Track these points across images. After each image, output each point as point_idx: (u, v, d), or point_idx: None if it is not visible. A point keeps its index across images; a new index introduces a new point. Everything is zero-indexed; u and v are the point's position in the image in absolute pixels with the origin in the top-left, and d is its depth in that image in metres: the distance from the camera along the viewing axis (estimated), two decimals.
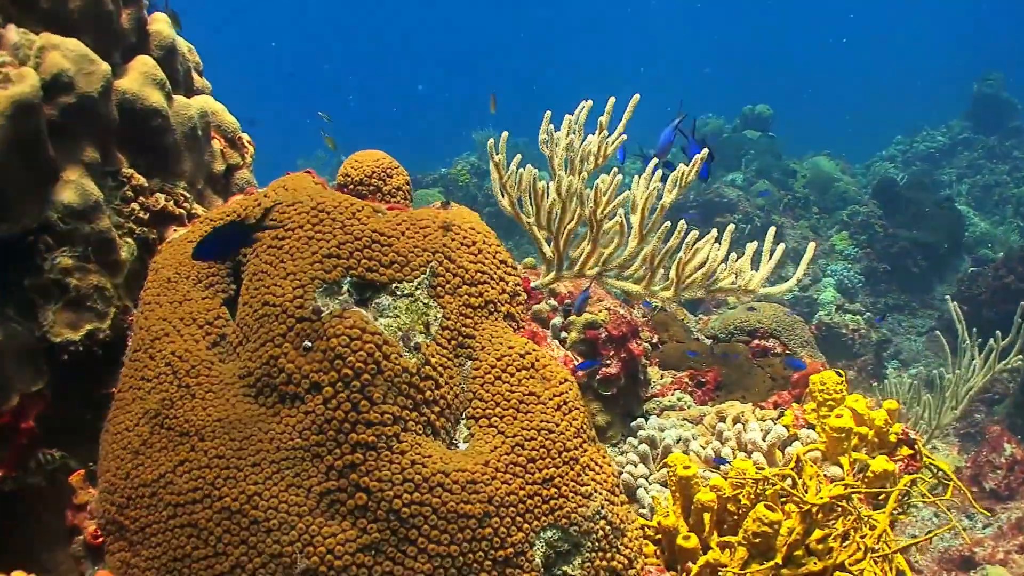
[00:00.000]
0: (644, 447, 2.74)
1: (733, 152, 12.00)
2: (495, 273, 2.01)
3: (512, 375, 1.90)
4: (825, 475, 2.27)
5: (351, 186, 2.13)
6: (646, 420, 2.94)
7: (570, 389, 1.94)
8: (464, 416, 1.88)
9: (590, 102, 2.20)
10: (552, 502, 1.83)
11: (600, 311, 2.90)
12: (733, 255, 2.12)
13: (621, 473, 2.75)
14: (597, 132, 2.12)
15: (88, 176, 1.93)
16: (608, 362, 2.94)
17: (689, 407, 3.15)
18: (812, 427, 2.59)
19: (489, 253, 2.02)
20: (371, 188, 2.14)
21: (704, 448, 2.56)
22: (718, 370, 3.27)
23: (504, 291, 2.02)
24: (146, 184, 2.07)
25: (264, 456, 1.75)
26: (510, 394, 1.88)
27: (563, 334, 2.96)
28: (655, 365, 3.40)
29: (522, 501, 1.80)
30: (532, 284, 2.11)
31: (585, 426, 1.94)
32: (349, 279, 1.85)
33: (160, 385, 1.85)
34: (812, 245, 2.23)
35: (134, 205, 2.03)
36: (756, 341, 3.53)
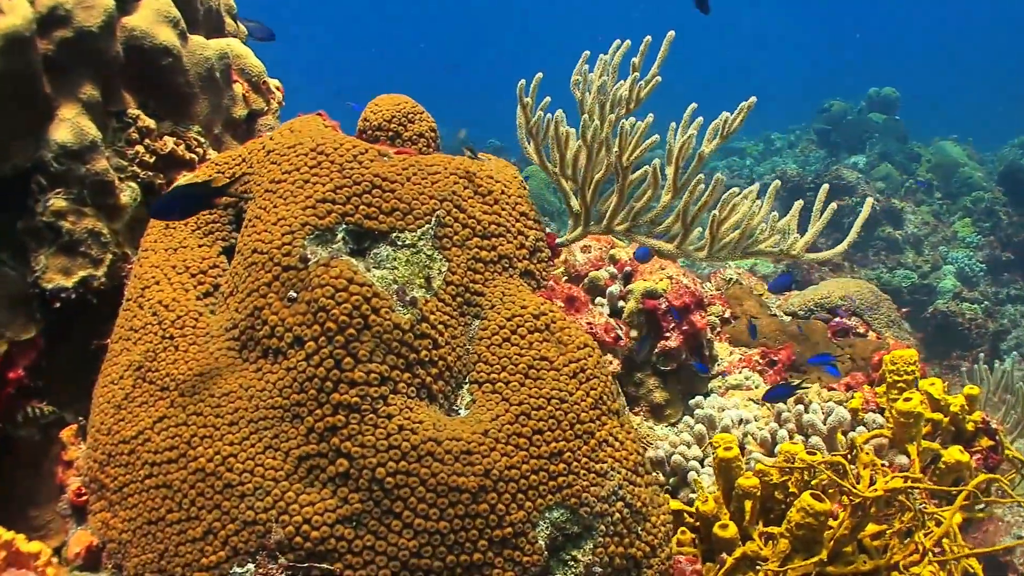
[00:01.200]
0: (700, 427, 2.53)
1: (857, 134, 11.53)
2: (513, 226, 1.83)
3: (523, 337, 1.72)
4: (886, 464, 2.02)
5: (369, 131, 1.98)
6: (706, 399, 2.72)
7: (590, 355, 1.75)
8: (468, 380, 1.70)
9: (628, 42, 1.99)
10: (560, 479, 1.65)
11: (661, 279, 2.69)
12: (775, 214, 1.89)
13: (673, 454, 2.54)
14: (630, 74, 1.91)
15: (86, 115, 1.83)
16: (668, 334, 2.73)
17: (757, 387, 2.92)
18: (883, 411, 2.33)
19: (508, 204, 1.84)
20: (390, 134, 1.98)
21: (761, 430, 2.33)
22: (792, 349, 3.02)
23: (523, 246, 1.84)
24: (154, 126, 1.96)
25: (242, 415, 1.61)
26: (519, 358, 1.70)
27: (620, 303, 2.76)
28: (725, 340, 3.17)
29: (525, 476, 1.62)
30: (558, 240, 1.92)
31: (606, 397, 1.75)
32: (345, 226, 1.69)
33: (145, 336, 1.74)
34: (869, 202, 1.98)
35: (139, 148, 1.92)
36: (837, 319, 3.27)
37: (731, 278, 3.34)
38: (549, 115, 1.87)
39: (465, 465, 1.60)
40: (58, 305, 1.84)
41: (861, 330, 3.23)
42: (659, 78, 1.96)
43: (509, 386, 1.69)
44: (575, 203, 1.89)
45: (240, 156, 1.91)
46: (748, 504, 1.95)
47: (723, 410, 2.63)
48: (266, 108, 2.31)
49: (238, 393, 1.64)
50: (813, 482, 1.90)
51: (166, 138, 1.98)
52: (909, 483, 1.80)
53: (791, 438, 2.28)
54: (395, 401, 1.61)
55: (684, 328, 2.76)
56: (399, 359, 1.62)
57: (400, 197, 1.75)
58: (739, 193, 1.83)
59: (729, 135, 1.89)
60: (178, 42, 2.02)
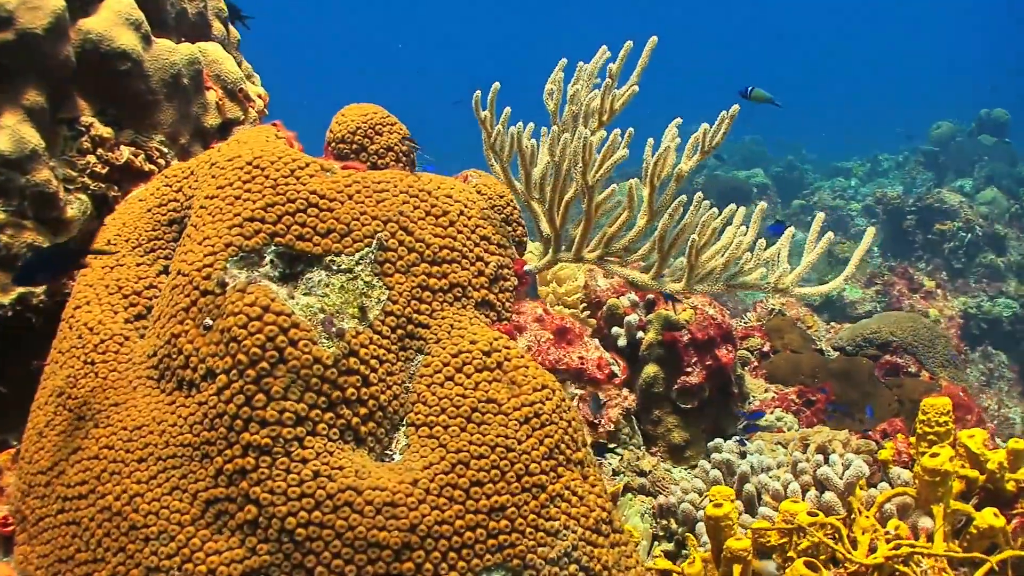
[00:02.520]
0: (716, 473, 2.34)
1: (965, 157, 11.06)
2: (471, 251, 1.69)
3: (468, 376, 1.57)
4: (913, 528, 1.80)
5: (333, 144, 1.87)
6: (727, 441, 2.52)
7: (547, 399, 1.59)
8: (405, 422, 1.56)
9: (624, 47, 1.82)
10: (502, 537, 1.50)
11: (685, 309, 2.51)
12: (761, 241, 1.69)
13: (683, 502, 2.36)
14: (605, 83, 1.75)
15: (28, 122, 1.75)
16: (689, 369, 2.54)
17: (789, 429, 2.70)
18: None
19: (466, 227, 1.70)
20: (354, 147, 1.86)
21: (775, 481, 2.13)
22: (832, 388, 2.79)
23: (481, 273, 1.69)
24: (111, 135, 1.88)
25: (152, 451, 1.51)
26: (461, 400, 1.55)
27: (640, 333, 2.59)
28: (761, 376, 2.96)
29: (459, 533, 1.48)
30: (526, 267, 1.77)
31: (565, 445, 1.59)
32: (274, 248, 1.58)
33: (69, 360, 1.65)
34: (871, 231, 1.76)
35: (90, 158, 1.84)
36: (887, 357, 3.03)
37: (773, 308, 3.12)
38: (513, 127, 1.71)
39: (388, 518, 1.46)
40: None
41: (913, 369, 2.98)
42: (636, 88, 1.78)
43: (448, 431, 1.55)
44: (545, 226, 1.73)
45: (188, 168, 1.81)
46: (737, 569, 1.77)
47: (745, 455, 2.43)
48: (243, 117, 2.22)
49: (151, 427, 1.54)
50: (802, 545, 1.70)
51: (123, 148, 1.90)
52: (914, 550, 1.59)
53: (805, 492, 2.08)
54: (313, 444, 1.47)
55: (708, 363, 2.57)
56: (319, 397, 1.49)
57: (338, 216, 1.62)
58: (719, 215, 1.65)
59: (711, 149, 1.71)
60: (139, 46, 1.94)
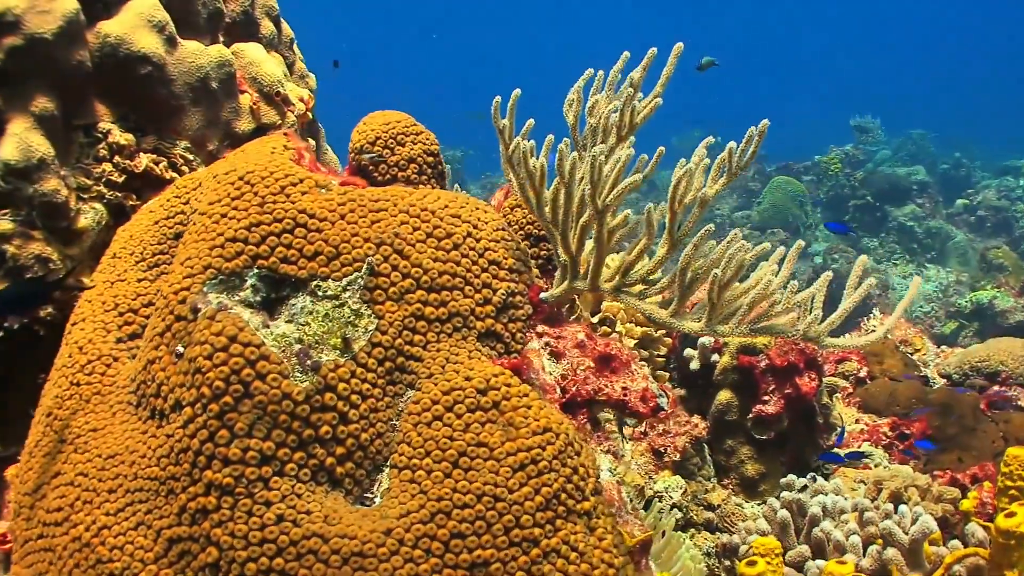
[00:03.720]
0: (784, 514, 2.17)
1: None
2: (477, 278, 1.58)
3: (459, 416, 1.47)
4: None
5: (352, 155, 1.78)
6: (800, 477, 2.33)
7: (548, 443, 1.47)
8: (389, 464, 1.46)
9: (646, 56, 1.67)
10: None
11: None
12: (794, 283, 1.51)
13: (744, 541, 2.19)
14: (624, 93, 1.60)
15: (37, 129, 1.73)
16: (766, 398, 2.36)
17: (878, 465, 2.49)
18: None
19: (473, 250, 1.59)
20: (373, 158, 1.77)
21: (838, 530, 1.94)
22: (929, 421, 2.55)
23: (487, 302, 1.58)
24: (130, 142, 1.85)
25: (122, 482, 1.46)
26: (448, 442, 1.45)
27: (714, 356, 2.42)
28: (854, 406, 2.74)
29: None
30: (542, 295, 1.64)
31: (567, 495, 1.47)
32: (256, 271, 1.50)
33: (59, 379, 1.63)
34: (916, 281, 1.56)
35: (106, 165, 1.81)
36: (995, 388, 2.75)
37: (875, 329, 2.88)
38: (525, 143, 1.58)
39: (355, 569, 1.37)
40: (1, 335, 1.75)
41: None
42: (659, 100, 1.62)
43: (431, 476, 1.44)
44: (562, 251, 1.60)
45: (197, 180, 1.76)
46: None
47: (819, 494, 2.23)
48: (279, 122, 2.16)
49: (123, 456, 1.49)
50: None
51: (142, 155, 1.86)
52: None
53: (867, 546, 1.88)
54: (279, 485, 1.39)
55: (787, 391, 2.38)
56: (288, 435, 1.41)
57: (327, 238, 1.53)
58: (749, 249, 1.48)
59: (740, 170, 1.54)
60: (162, 49, 1.90)
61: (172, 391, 1.46)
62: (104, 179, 1.85)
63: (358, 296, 1.53)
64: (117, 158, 1.86)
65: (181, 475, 1.42)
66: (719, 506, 2.41)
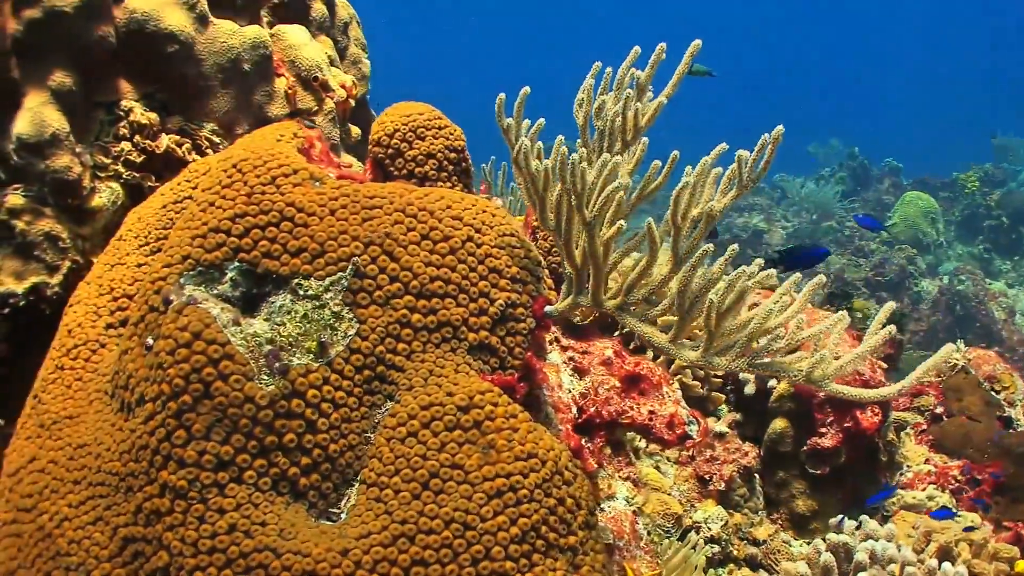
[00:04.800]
0: (828, 557, 2.02)
1: None
2: (474, 285, 1.49)
3: (435, 435, 1.39)
4: None
5: (370, 148, 1.71)
6: (845, 522, 2.17)
7: (532, 470, 1.38)
8: (359, 479, 1.39)
9: (654, 52, 1.54)
10: None
11: None
12: (801, 317, 1.38)
13: None
14: (632, 93, 1.48)
15: (52, 104, 1.72)
16: (823, 431, 2.21)
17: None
18: None
19: (472, 255, 1.50)
20: (390, 152, 1.72)
21: None
22: (1002, 466, 2.34)
23: (483, 312, 1.49)
24: (153, 121, 1.82)
25: (86, 474, 1.44)
26: (420, 461, 1.37)
27: (771, 381, 2.28)
28: (925, 444, 2.54)
29: None
30: (547, 309, 1.54)
31: (548, 529, 1.38)
32: (237, 264, 1.45)
33: (48, 362, 1.61)
34: (948, 348, 1.40)
35: (125, 144, 1.78)
36: None
37: (956, 363, 2.67)
38: (526, 143, 1.47)
39: None
40: (7, 311, 1.75)
41: None
42: (664, 100, 1.49)
43: (398, 496, 1.37)
44: (567, 262, 1.50)
45: (208, 165, 1.72)
46: None
47: (869, 539, 2.07)
48: (315, 108, 2.10)
49: (91, 448, 1.46)
50: None
51: (163, 136, 1.83)
52: None
53: None
54: (235, 492, 1.34)
55: (846, 424, 2.22)
56: (249, 441, 1.35)
57: (312, 234, 1.46)
58: (753, 275, 1.35)
59: (753, 182, 1.41)
60: (190, 27, 1.86)
61: (139, 384, 1.42)
62: (122, 158, 1.83)
63: (340, 298, 1.46)
64: (137, 137, 1.83)
65: (139, 473, 1.38)
66: (764, 542, 2.27)
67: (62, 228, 1.77)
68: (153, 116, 1.87)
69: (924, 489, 2.36)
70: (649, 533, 1.82)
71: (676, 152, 1.45)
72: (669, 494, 2.20)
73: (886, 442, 2.36)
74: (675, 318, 1.44)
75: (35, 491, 1.50)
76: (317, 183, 1.54)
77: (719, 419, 2.46)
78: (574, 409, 1.79)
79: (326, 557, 1.32)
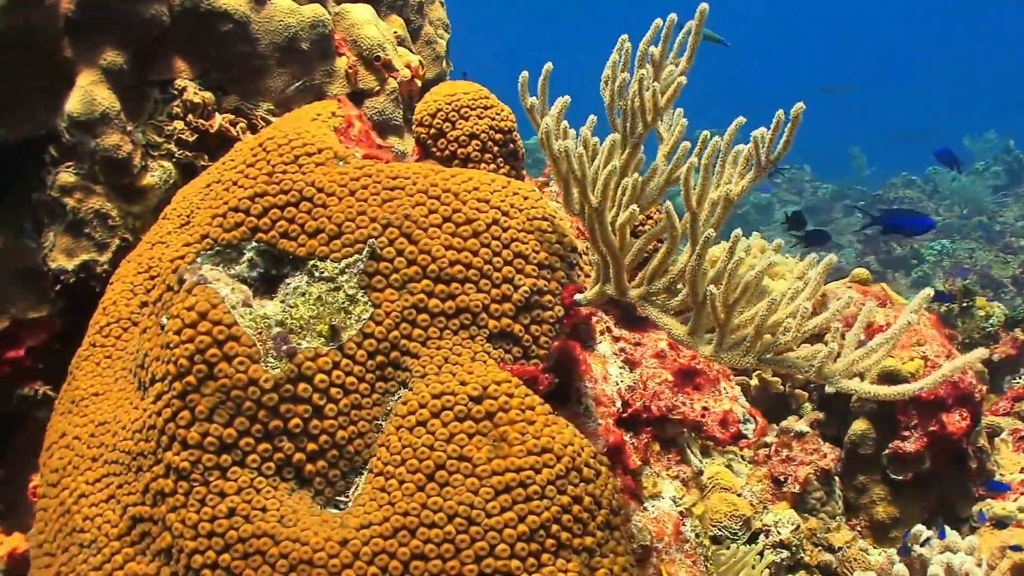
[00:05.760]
0: (901, 569, 1.89)
1: None
2: (498, 270, 1.44)
3: (444, 424, 1.34)
4: None
5: (414, 127, 1.68)
6: (926, 530, 2.03)
7: (545, 465, 1.33)
8: (368, 467, 1.36)
9: (665, 24, 1.44)
10: None
11: (912, 359, 2.05)
12: (806, 307, 1.27)
13: None
14: (637, 75, 1.39)
15: (103, 83, 1.75)
16: (906, 434, 2.07)
17: None
18: None
19: (497, 239, 1.45)
20: (432, 132, 1.68)
21: None
22: None
23: (506, 298, 1.43)
24: (204, 100, 1.82)
25: (104, 452, 1.45)
26: (427, 451, 1.33)
27: (855, 379, 2.15)
28: (1022, 451, 2.36)
29: None
30: (576, 297, 1.47)
31: (560, 527, 1.32)
32: (255, 244, 1.43)
33: (85, 339, 1.63)
34: (980, 352, 1.26)
35: (178, 123, 1.79)
36: None
37: None
38: (548, 122, 1.40)
39: None
40: (58, 287, 1.78)
41: None
42: (683, 79, 1.39)
43: (403, 487, 1.33)
44: (593, 248, 1.43)
45: (247, 144, 1.70)
46: None
47: (947, 552, 1.94)
48: (377, 88, 2.07)
49: (110, 426, 1.47)
50: None
51: (216, 115, 1.83)
52: None
53: None
54: (237, 476, 1.32)
55: (931, 428, 2.08)
56: (253, 424, 1.33)
57: (330, 215, 1.43)
58: (763, 264, 1.25)
59: (772, 163, 1.30)
60: (245, 6, 1.86)
61: (152, 363, 1.42)
62: (175, 137, 1.83)
63: (356, 281, 1.42)
64: (190, 116, 1.84)
65: (148, 452, 1.38)
66: (841, 549, 2.14)
67: (112, 206, 1.80)
68: (208, 95, 1.87)
69: (1016, 500, 2.19)
70: (698, 536, 1.73)
71: (706, 132, 1.35)
72: (739, 495, 2.10)
73: (976, 448, 2.20)
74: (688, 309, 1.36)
75: (60, 466, 1.52)
76: (341, 163, 1.50)
77: (801, 417, 2.33)
78: (618, 403, 1.71)
79: (324, 546, 1.29)
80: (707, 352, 1.31)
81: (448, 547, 1.29)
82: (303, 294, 1.42)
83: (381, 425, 1.40)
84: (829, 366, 1.27)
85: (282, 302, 1.42)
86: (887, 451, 2.15)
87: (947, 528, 2.02)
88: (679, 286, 1.36)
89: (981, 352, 1.24)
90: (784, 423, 2.28)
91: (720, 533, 2.02)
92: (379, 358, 1.41)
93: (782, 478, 2.18)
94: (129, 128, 1.79)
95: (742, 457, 2.24)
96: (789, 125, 1.28)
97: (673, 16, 1.42)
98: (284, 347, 1.36)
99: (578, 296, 1.48)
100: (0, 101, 1.73)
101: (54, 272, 1.79)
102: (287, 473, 1.36)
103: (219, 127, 1.86)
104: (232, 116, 1.89)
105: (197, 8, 1.85)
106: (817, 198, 12.48)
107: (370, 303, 1.42)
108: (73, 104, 1.74)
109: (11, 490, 1.92)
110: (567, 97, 1.45)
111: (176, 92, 1.86)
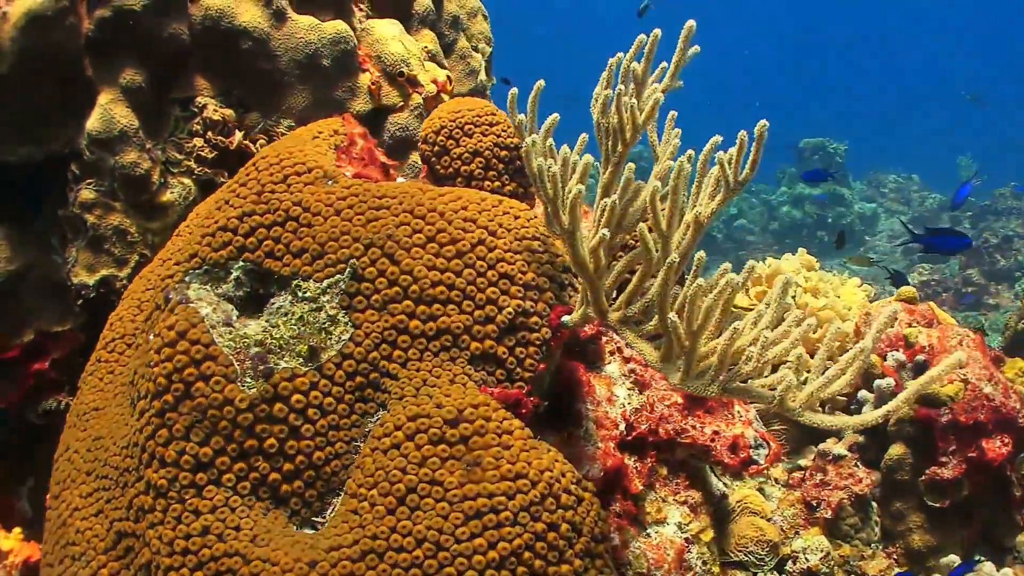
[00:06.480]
0: None
1: None
2: (479, 293, 1.43)
3: (418, 448, 1.34)
4: None
5: (420, 144, 1.68)
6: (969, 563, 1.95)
7: (519, 492, 1.32)
8: (345, 488, 1.37)
9: (649, 40, 1.41)
10: None
11: (952, 381, 1.97)
12: (768, 335, 1.21)
13: None
14: (618, 91, 1.36)
15: (122, 101, 1.80)
16: (944, 460, 2.00)
17: None
18: None
19: (482, 260, 1.44)
20: (436, 150, 1.68)
21: None
22: None
23: (489, 320, 1.43)
24: (225, 117, 1.86)
25: (97, 466, 1.49)
26: (399, 475, 1.33)
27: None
28: None
29: None
30: (564, 319, 1.45)
31: (533, 555, 1.32)
32: (242, 264, 1.45)
33: (93, 354, 1.67)
34: (957, 356, 1.19)
35: (197, 141, 1.83)
36: None
37: None
38: (532, 140, 1.38)
39: None
40: (80, 302, 1.84)
41: None
42: (660, 96, 1.35)
43: (374, 509, 1.33)
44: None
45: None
46: None
47: None
48: (400, 103, 2.07)
49: (104, 441, 1.51)
50: None
51: (236, 132, 1.86)
52: None
53: None
54: (212, 495, 1.34)
55: (970, 454, 2.00)
56: (229, 444, 1.35)
57: (315, 235, 1.44)
58: (722, 288, 1.20)
59: (739, 186, 1.26)
60: (265, 23, 1.89)
61: (139, 381, 1.45)
62: (194, 154, 1.87)
63: (337, 301, 1.43)
64: (210, 134, 1.87)
65: (132, 468, 1.41)
66: None
67: (131, 222, 1.84)
68: (228, 112, 1.91)
69: None
70: (705, 563, 1.69)
71: (690, 152, 1.32)
72: (769, 519, 2.04)
73: (1020, 475, 2.10)
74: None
75: (61, 479, 1.56)
76: (330, 182, 1.51)
77: (840, 440, 2.26)
78: (622, 426, 1.68)
79: (293, 567, 1.30)
80: (675, 380, 1.28)
81: (415, 572, 1.29)
82: (286, 314, 1.43)
83: (359, 446, 1.40)
84: (791, 397, 1.22)
85: (266, 322, 1.43)
86: (924, 477, 2.06)
87: (982, 560, 1.93)
88: (655, 310, 1.33)
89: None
90: (822, 446, 2.21)
91: (746, 559, 1.96)
92: (358, 379, 1.41)
93: (815, 503, 2.11)
94: (148, 146, 1.84)
95: (775, 480, 2.18)
96: (754, 144, 1.24)
97: (657, 32, 1.40)
98: (261, 367, 1.38)
99: (565, 318, 1.46)
100: (25, 119, 1.79)
101: (76, 287, 1.85)
102: (263, 493, 1.37)
103: (238, 144, 1.89)
104: (250, 134, 1.92)
105: (217, 26, 1.88)
106: (924, 208, 12.15)
107: (351, 324, 1.42)
108: (93, 122, 1.79)
109: (40, 498, 1.98)
110: (556, 116, 1.43)
111: (196, 110, 1.90)
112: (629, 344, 1.36)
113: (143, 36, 1.82)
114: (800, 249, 2.68)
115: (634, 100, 1.34)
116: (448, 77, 2.18)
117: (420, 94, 2.11)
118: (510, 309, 1.45)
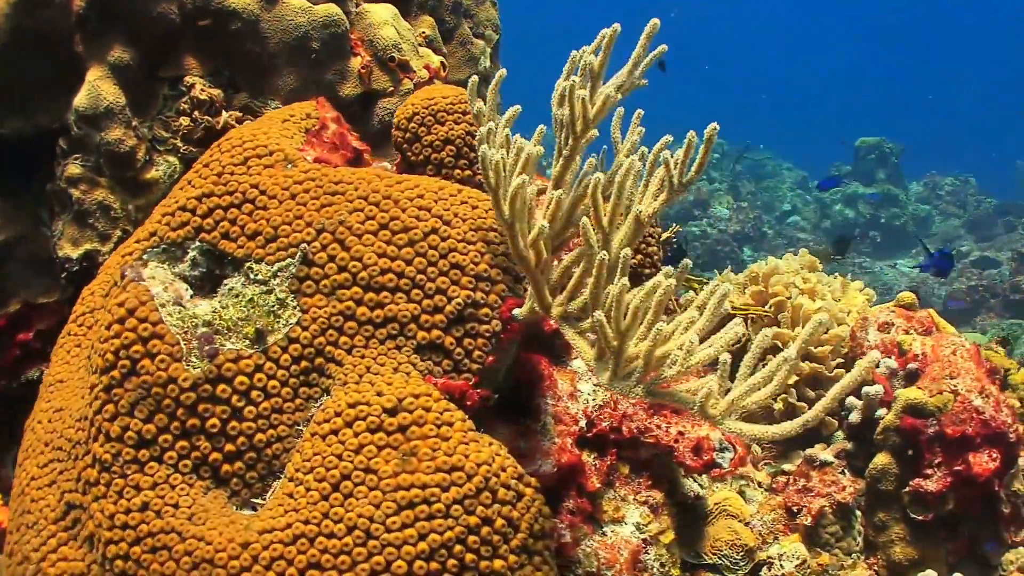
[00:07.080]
0: None
1: None
2: (429, 282, 1.44)
3: (355, 435, 1.36)
4: None
5: (392, 131, 1.69)
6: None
7: (453, 484, 1.33)
8: (284, 472, 1.39)
9: (607, 34, 1.40)
10: None
11: (943, 392, 1.95)
12: (692, 340, 1.20)
13: None
14: (569, 85, 1.35)
15: (110, 79, 1.83)
16: (928, 472, 1.97)
17: None
18: None
19: (434, 249, 1.45)
20: (407, 136, 1.69)
21: None
22: None
23: (437, 309, 1.43)
24: (211, 97, 1.89)
25: (53, 437, 1.53)
26: (335, 461, 1.35)
27: (882, 410, 2.06)
28: None
29: None
30: (514, 312, 1.46)
31: (464, 549, 1.33)
32: (198, 244, 1.47)
33: (66, 326, 1.71)
34: (859, 371, 1.16)
35: (183, 120, 1.86)
36: None
37: None
38: (485, 130, 1.38)
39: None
40: (65, 275, 1.88)
41: None
42: (614, 93, 1.34)
43: (308, 494, 1.35)
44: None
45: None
46: None
47: None
48: (391, 88, 2.08)
49: (63, 413, 1.55)
50: None
51: (223, 112, 1.89)
52: None
53: None
54: (154, 471, 1.38)
55: (956, 468, 1.97)
56: (172, 422, 1.38)
57: (269, 218, 1.46)
58: (649, 289, 1.19)
59: (683, 187, 1.24)
60: (254, 5, 1.92)
61: (93, 356, 1.47)
62: (181, 133, 1.90)
63: (287, 285, 1.45)
64: (197, 113, 1.90)
65: (83, 441, 1.44)
66: None
67: (115, 198, 1.87)
68: (216, 92, 1.93)
69: None
70: (663, 565, 1.68)
71: (643, 149, 1.31)
72: (747, 523, 2.03)
73: (1010, 492, 2.05)
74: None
75: (25, 447, 1.60)
76: (289, 165, 1.53)
77: (829, 445, 2.23)
78: (583, 422, 1.68)
79: (226, 547, 1.32)
80: (604, 380, 1.28)
81: (344, 559, 1.30)
82: (237, 295, 1.45)
83: (302, 431, 1.42)
84: (712, 404, 1.21)
85: (217, 303, 1.46)
86: (907, 489, 2.03)
87: (958, 574, 1.90)
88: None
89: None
90: (809, 451, 2.19)
91: (719, 562, 1.95)
92: (303, 363, 1.43)
93: (796, 509, 2.09)
94: (135, 123, 1.87)
95: (758, 483, 2.16)
96: (703, 146, 1.23)
97: (616, 26, 1.39)
98: (207, 347, 1.40)
99: (516, 311, 1.46)
100: (15, 93, 1.83)
101: (61, 260, 1.89)
102: (204, 472, 1.40)
103: (224, 124, 1.91)
104: (239, 113, 1.94)
105: (207, 6, 1.90)
106: (980, 212, 11.92)
107: (299, 308, 1.44)
108: (80, 98, 1.83)
109: None
110: (518, 107, 1.43)
111: (185, 89, 1.92)
112: (568, 340, 1.36)
113: (133, 14, 1.85)
114: (802, 249, 2.65)
115: (586, 93, 1.33)
116: (442, 63, 2.18)
117: (411, 79, 2.11)
118: (459, 300, 1.46)
